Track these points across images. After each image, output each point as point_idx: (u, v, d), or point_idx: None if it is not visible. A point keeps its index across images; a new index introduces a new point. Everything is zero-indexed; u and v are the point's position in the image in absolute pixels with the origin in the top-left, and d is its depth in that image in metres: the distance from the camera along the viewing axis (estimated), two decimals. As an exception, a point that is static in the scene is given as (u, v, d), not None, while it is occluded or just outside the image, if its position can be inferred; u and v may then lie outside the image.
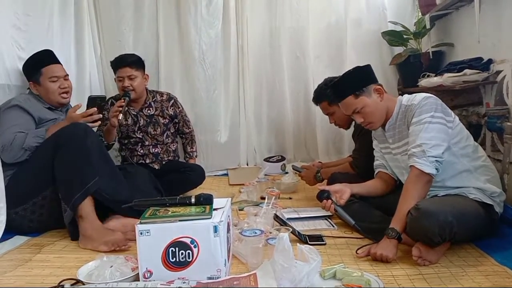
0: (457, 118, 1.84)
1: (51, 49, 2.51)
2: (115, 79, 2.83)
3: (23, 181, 2.03)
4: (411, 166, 1.71)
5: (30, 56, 2.27)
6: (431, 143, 1.68)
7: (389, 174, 2.04)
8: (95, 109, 2.10)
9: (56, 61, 2.29)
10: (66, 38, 2.87)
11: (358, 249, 1.75)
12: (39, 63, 2.24)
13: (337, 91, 1.97)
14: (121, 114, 2.50)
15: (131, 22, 3.42)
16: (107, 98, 2.88)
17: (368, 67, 1.97)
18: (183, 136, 3.11)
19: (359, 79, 1.91)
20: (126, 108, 2.65)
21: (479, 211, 1.70)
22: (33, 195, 2.05)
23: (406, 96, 1.91)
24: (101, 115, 2.12)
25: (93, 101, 2.19)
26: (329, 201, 1.96)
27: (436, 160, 1.67)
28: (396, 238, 1.63)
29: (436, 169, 1.68)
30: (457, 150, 1.77)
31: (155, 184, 2.50)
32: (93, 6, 3.27)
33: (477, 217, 1.68)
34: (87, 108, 2.11)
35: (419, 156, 1.68)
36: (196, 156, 3.15)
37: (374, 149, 2.12)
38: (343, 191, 1.97)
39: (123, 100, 2.57)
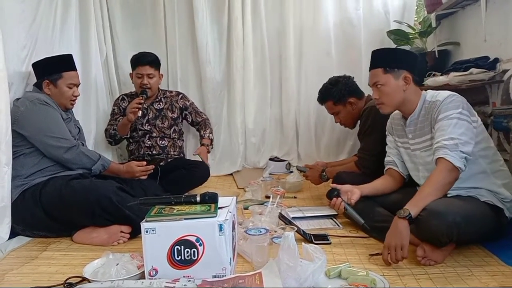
0: (479, 118, 1.80)
1: (55, 48, 2.58)
2: (130, 74, 2.96)
3: (34, 215, 2.04)
4: (440, 158, 1.65)
5: (52, 56, 2.30)
6: (463, 139, 1.64)
7: (399, 171, 2.01)
8: (153, 166, 2.47)
9: (75, 68, 2.35)
10: (71, 38, 2.86)
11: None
12: (62, 66, 2.27)
13: (374, 58, 1.92)
14: (140, 111, 2.69)
15: (139, 23, 3.49)
16: (120, 95, 3.11)
17: (415, 56, 1.94)
18: (198, 126, 3.14)
19: (398, 58, 1.87)
20: (143, 111, 2.79)
21: (488, 213, 1.67)
22: (38, 228, 2.07)
23: (430, 92, 1.87)
24: (153, 167, 2.46)
25: (154, 160, 2.74)
26: (339, 199, 1.94)
27: (465, 157, 1.63)
28: (408, 219, 1.57)
29: (464, 165, 1.63)
30: (477, 151, 1.72)
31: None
32: (100, 6, 3.28)
33: (486, 220, 1.65)
34: (147, 164, 2.44)
35: (451, 149, 1.62)
36: (209, 138, 3.07)
37: (387, 144, 2.08)
38: (353, 192, 1.94)
39: (141, 98, 2.74)
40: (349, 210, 1.94)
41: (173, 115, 3.03)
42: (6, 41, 2.12)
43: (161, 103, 3.02)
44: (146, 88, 2.84)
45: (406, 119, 1.91)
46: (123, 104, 3.01)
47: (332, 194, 1.96)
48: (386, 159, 2.07)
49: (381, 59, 1.88)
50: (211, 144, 3.11)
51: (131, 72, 2.96)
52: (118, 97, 3.09)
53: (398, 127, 2.00)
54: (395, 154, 2.04)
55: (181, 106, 3.07)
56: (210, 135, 3.10)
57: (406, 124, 1.91)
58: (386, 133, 2.10)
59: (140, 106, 2.68)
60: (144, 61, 2.85)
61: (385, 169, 2.07)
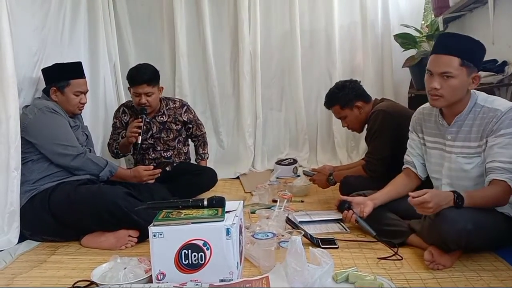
0: None
1: (64, 53, 2.61)
2: (129, 88, 2.77)
3: (43, 220, 2.04)
4: (504, 182, 1.57)
5: (60, 63, 2.31)
6: None
7: (417, 173, 1.93)
8: (160, 170, 2.49)
9: (84, 75, 2.35)
10: (80, 43, 2.90)
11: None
12: (70, 74, 2.28)
13: (451, 44, 1.66)
14: (140, 137, 2.59)
15: (147, 29, 3.57)
16: (124, 102, 3.01)
17: (485, 52, 1.73)
18: (196, 138, 3.07)
19: (477, 53, 1.68)
20: (144, 127, 2.68)
21: (502, 224, 1.63)
22: (46, 233, 2.08)
23: (481, 94, 1.73)
24: (160, 171, 2.48)
25: (161, 164, 2.71)
26: (350, 211, 1.88)
27: None
28: (457, 202, 1.53)
29: None
30: None
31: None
32: (108, 12, 3.32)
33: (499, 230, 1.62)
34: (155, 168, 2.47)
35: None
36: (207, 158, 3.10)
37: (408, 142, 1.98)
38: (365, 205, 1.85)
39: (140, 120, 2.62)
40: (360, 223, 1.89)
41: (177, 127, 2.91)
42: (18, 46, 2.15)
43: (164, 116, 2.86)
44: (145, 107, 2.68)
45: (448, 118, 1.77)
46: (125, 117, 2.85)
47: (343, 206, 1.92)
48: (405, 158, 1.98)
49: (461, 48, 1.63)
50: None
51: (129, 86, 2.75)
52: (119, 109, 2.91)
53: (431, 124, 1.85)
54: (415, 155, 1.94)
55: (185, 120, 2.92)
56: (207, 155, 3.09)
57: (449, 123, 1.76)
58: (410, 129, 1.98)
59: (139, 131, 2.58)
60: (140, 80, 2.64)
61: (403, 167, 1.99)
